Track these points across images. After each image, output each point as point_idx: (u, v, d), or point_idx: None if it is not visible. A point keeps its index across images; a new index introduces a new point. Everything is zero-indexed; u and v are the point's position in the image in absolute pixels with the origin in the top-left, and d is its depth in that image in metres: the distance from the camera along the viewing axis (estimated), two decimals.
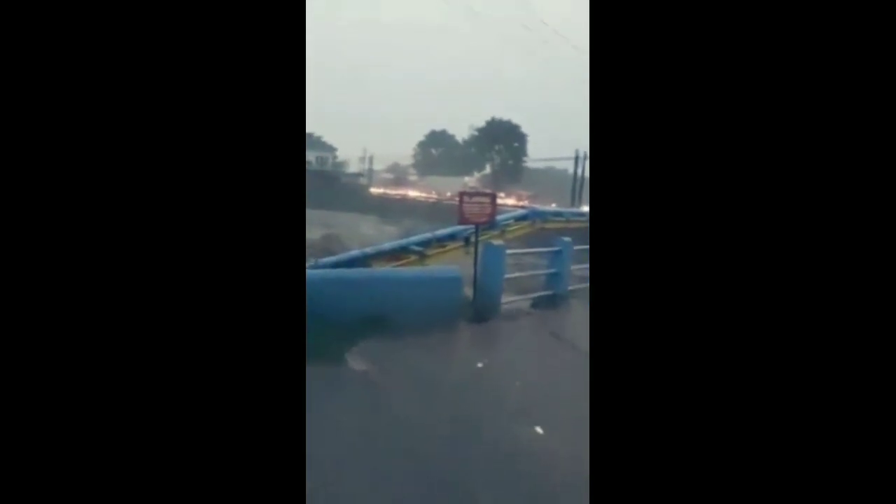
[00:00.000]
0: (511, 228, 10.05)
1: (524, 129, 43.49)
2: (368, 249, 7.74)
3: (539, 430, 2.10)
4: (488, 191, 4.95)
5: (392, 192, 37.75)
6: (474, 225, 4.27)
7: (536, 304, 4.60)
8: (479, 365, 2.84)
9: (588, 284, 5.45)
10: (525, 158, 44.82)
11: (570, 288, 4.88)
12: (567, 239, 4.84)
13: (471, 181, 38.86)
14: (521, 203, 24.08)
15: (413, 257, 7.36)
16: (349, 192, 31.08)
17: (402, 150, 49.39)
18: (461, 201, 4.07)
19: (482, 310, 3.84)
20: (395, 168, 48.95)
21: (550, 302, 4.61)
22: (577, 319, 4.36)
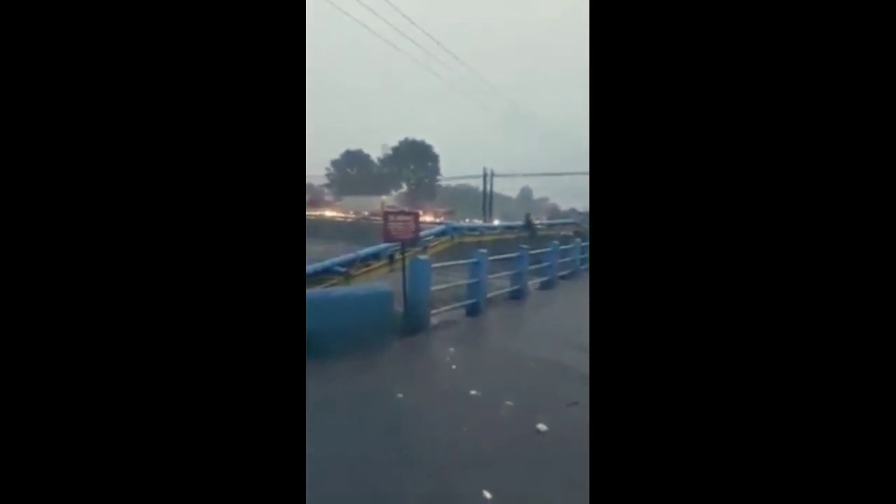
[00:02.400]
0: (432, 244, 10.51)
1: (436, 150, 45.25)
2: None
3: (487, 495, 1.72)
4: (412, 209, 5.23)
5: (308, 213, 36.28)
6: (399, 242, 4.57)
7: (461, 312, 5.01)
8: (400, 396, 2.66)
9: (501, 291, 6.05)
10: (439, 177, 46.47)
11: (489, 295, 5.40)
12: (483, 251, 5.35)
13: (388, 200, 38.98)
14: (438, 220, 24.90)
15: (338, 278, 7.35)
16: None
17: (314, 170, 47.83)
18: (386, 220, 4.32)
19: (413, 322, 4.11)
20: (308, 189, 47.08)
21: (474, 309, 5.05)
22: (498, 323, 4.88)
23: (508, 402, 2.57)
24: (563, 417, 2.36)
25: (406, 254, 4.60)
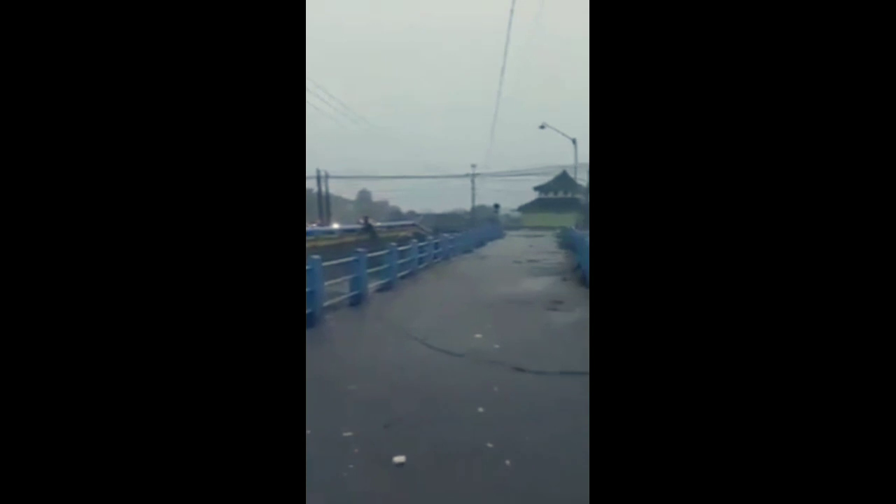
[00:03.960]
0: None
1: None
2: None
3: None
4: None
5: None
6: None
7: None
8: None
9: (340, 298, 5.72)
10: None
11: (326, 304, 5.00)
12: (316, 257, 4.93)
13: None
14: None
15: None
16: None
17: None
18: None
19: None
20: None
21: (308, 321, 4.59)
22: (333, 337, 4.54)
23: (347, 433, 2.32)
24: (416, 448, 2.15)
25: None
